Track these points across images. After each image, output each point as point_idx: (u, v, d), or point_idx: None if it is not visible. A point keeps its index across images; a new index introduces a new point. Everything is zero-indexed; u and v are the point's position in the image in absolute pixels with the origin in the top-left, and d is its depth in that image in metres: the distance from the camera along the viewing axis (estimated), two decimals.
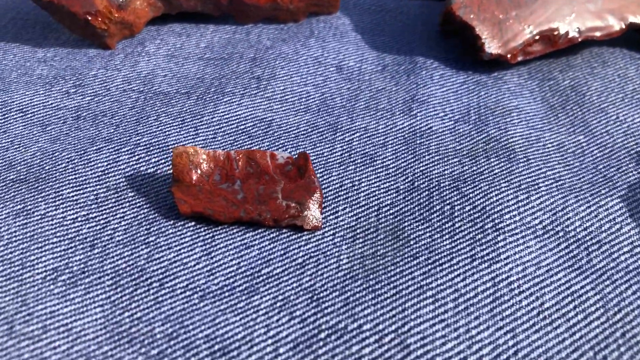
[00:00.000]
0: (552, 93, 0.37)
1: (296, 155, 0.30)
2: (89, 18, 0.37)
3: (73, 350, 0.23)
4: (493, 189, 0.30)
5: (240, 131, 0.33)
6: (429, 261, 0.26)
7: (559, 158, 0.32)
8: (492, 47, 0.37)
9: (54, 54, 0.38)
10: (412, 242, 0.27)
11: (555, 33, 0.38)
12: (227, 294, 0.25)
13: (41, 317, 0.24)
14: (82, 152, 0.31)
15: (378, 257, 0.26)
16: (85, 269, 0.25)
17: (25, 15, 0.42)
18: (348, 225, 0.28)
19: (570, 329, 0.24)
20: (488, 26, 0.38)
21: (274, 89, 0.36)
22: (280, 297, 0.25)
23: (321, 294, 0.25)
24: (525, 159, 0.32)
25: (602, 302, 0.25)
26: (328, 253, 0.26)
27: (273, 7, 0.41)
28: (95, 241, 0.26)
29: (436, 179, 0.30)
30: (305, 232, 0.27)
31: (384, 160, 0.32)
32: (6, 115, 0.33)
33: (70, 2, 0.37)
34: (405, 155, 0.32)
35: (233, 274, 0.25)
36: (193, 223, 0.27)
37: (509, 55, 0.37)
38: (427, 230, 0.28)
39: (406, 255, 0.26)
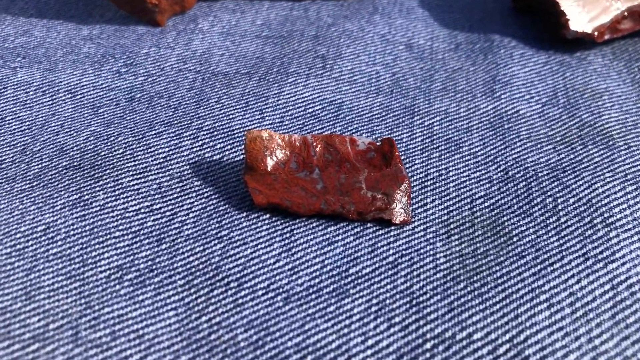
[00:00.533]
0: None
1: (379, 141, 0.27)
2: None
3: (149, 354, 0.20)
4: (597, 179, 0.27)
5: (308, 114, 0.30)
6: (537, 260, 0.23)
7: None
8: (577, 24, 0.34)
9: (100, 31, 0.35)
10: (515, 239, 0.24)
11: None
12: (313, 296, 0.22)
13: (109, 321, 0.21)
14: (140, 136, 0.28)
15: (479, 256, 0.23)
16: (154, 267, 0.23)
17: None
18: (440, 220, 0.25)
19: None
20: (572, 1, 0.34)
21: (341, 69, 0.33)
22: (374, 301, 0.22)
23: (420, 298, 0.22)
24: (626, 147, 0.29)
25: None
26: (422, 251, 0.24)
27: None
28: (162, 235, 0.24)
29: (532, 168, 0.27)
30: (393, 227, 0.24)
31: (471, 146, 0.29)
32: (54, 97, 0.31)
33: None
34: (494, 141, 0.29)
35: (318, 273, 0.23)
36: (268, 215, 0.25)
37: (595, 34, 0.34)
38: (530, 225, 0.25)
39: (511, 254, 0.24)
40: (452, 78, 0.33)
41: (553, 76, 0.33)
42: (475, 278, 0.23)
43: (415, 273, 0.23)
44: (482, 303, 0.22)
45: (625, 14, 0.35)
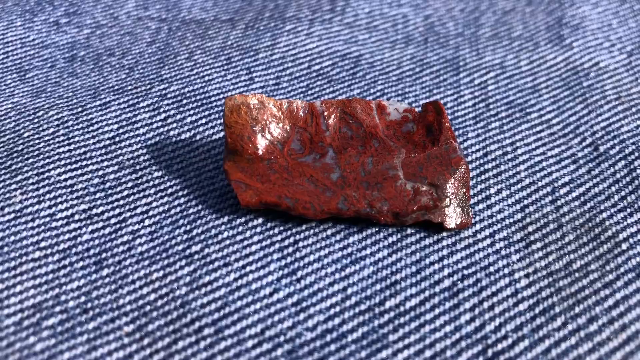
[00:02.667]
0: None
1: (419, 107, 0.19)
2: None
3: None
4: None
5: (314, 73, 0.22)
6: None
7: None
8: None
9: None
10: (623, 246, 0.17)
11: None
12: (332, 347, 0.14)
13: None
14: (80, 109, 0.20)
15: (576, 274, 0.16)
16: (89, 305, 0.15)
17: None
18: (512, 220, 0.17)
19: None
20: None
21: (356, 12, 0.25)
22: (428, 353, 0.14)
23: (498, 346, 0.14)
24: None
25: None
26: (491, 269, 0.16)
27: None
28: (104, 255, 0.16)
29: (630, 141, 0.20)
30: (446, 234, 0.17)
31: (541, 112, 0.21)
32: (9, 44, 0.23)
33: None
34: (572, 104, 0.21)
35: (338, 309, 0.15)
36: (261, 221, 0.17)
37: None
38: (637, 222, 0.17)
39: (622, 269, 0.16)
40: (503, 22, 0.25)
41: (635, 17, 0.25)
42: (576, 310, 0.15)
43: (485, 305, 0.15)
44: (595, 350, 0.14)
45: None
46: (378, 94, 0.21)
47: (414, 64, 0.23)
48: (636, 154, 0.19)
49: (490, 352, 0.14)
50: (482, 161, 0.19)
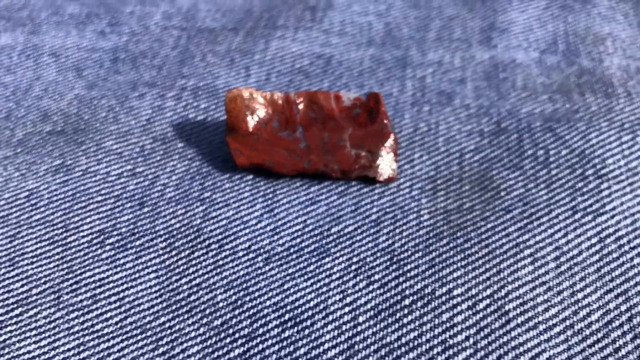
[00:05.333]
0: None
1: (365, 96, 0.26)
2: None
3: (127, 322, 0.20)
4: (592, 129, 0.26)
5: (296, 70, 0.29)
6: (524, 215, 0.23)
7: None
8: None
9: None
10: (502, 193, 0.24)
11: None
12: (294, 256, 0.22)
13: (90, 285, 0.21)
14: (123, 98, 0.28)
15: (464, 212, 0.23)
16: (135, 231, 0.23)
17: None
18: (427, 176, 0.24)
19: None
20: None
21: (331, 20, 0.32)
22: (355, 259, 0.22)
23: (402, 255, 0.22)
24: (626, 94, 0.28)
25: None
26: (406, 208, 0.23)
27: None
28: (145, 199, 0.24)
29: (525, 120, 0.27)
30: (378, 185, 0.24)
31: (464, 98, 0.28)
32: (38, 60, 0.30)
33: None
34: (488, 92, 0.28)
35: (300, 233, 0.23)
36: (251, 176, 0.24)
37: None
38: (520, 178, 0.24)
39: (497, 209, 0.23)
40: (447, 26, 0.32)
41: (554, 21, 0.32)
42: (458, 234, 0.22)
43: (397, 231, 0.22)
44: (464, 259, 0.21)
45: None
46: (342, 86, 0.28)
47: (372, 62, 0.30)
48: (526, 129, 0.26)
49: (395, 260, 0.22)
50: (412, 135, 0.26)
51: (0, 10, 0.33)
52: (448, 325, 0.20)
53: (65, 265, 0.22)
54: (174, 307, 0.21)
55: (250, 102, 0.25)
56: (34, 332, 0.20)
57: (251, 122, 0.25)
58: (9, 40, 0.31)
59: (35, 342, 0.20)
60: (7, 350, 0.19)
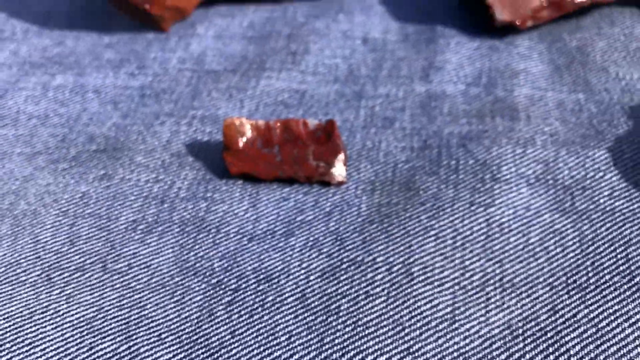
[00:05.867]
0: (559, 54, 0.41)
1: (325, 122, 0.35)
2: (147, 6, 0.43)
3: (152, 281, 0.29)
4: (494, 144, 0.35)
5: (278, 102, 0.38)
6: (434, 207, 0.31)
7: (557, 115, 0.37)
8: (502, 14, 0.41)
9: (117, 39, 0.44)
10: (420, 192, 0.32)
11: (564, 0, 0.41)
12: (269, 236, 0.31)
13: (127, 257, 0.30)
14: (149, 125, 0.37)
15: (392, 205, 0.32)
16: (158, 220, 0.32)
17: (94, 4, 0.48)
18: (368, 180, 0.33)
19: (549, 259, 0.29)
20: None
21: (307, 63, 0.41)
22: (311, 239, 0.30)
23: (344, 236, 0.30)
24: (526, 117, 0.36)
25: (578, 238, 0.30)
26: (350, 203, 0.32)
27: None
28: (165, 198, 0.33)
29: (446, 138, 0.35)
30: (332, 187, 0.33)
31: (402, 122, 0.37)
32: (84, 96, 0.40)
33: None
34: (421, 117, 0.37)
35: (274, 221, 0.32)
36: (241, 181, 0.33)
37: (518, 22, 0.41)
38: (435, 181, 0.33)
39: (415, 203, 0.32)
40: (397, 66, 0.41)
41: (481, 60, 0.41)
42: (385, 221, 0.31)
43: (342, 219, 0.31)
44: (387, 237, 0.30)
45: (545, 4, 0.41)
46: (312, 114, 0.37)
47: (336, 95, 0.39)
48: (445, 145, 0.35)
49: (338, 238, 0.30)
50: (360, 150, 0.35)
51: (54, 57, 0.43)
52: (370, 281, 0.28)
53: (109, 244, 0.31)
54: (184, 271, 0.30)
55: (240, 128, 0.34)
56: (88, 288, 0.29)
57: (241, 142, 0.34)
58: (61, 80, 0.41)
59: (90, 294, 0.29)
60: (71, 299, 0.29)
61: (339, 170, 0.33)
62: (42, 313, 0.28)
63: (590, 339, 0.26)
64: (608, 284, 0.28)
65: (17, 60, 0.43)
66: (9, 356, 0.27)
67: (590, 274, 0.29)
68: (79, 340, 0.27)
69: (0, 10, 0.48)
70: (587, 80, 0.39)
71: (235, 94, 0.39)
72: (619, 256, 0.29)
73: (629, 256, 0.29)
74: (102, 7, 0.48)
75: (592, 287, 0.28)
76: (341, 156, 0.33)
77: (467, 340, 0.27)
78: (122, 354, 0.27)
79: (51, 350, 0.27)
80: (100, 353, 0.27)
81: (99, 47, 0.44)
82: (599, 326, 0.27)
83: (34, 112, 0.39)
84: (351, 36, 0.43)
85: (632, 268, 0.29)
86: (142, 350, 0.27)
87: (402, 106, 0.38)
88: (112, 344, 0.27)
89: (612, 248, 0.30)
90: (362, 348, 0.26)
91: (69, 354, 0.27)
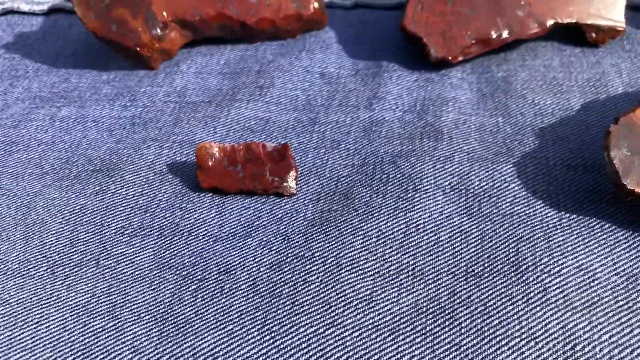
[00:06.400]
0: (487, 84, 0.48)
1: (280, 145, 0.43)
2: (138, 49, 0.50)
3: (135, 274, 0.36)
4: (419, 161, 0.42)
5: (245, 128, 0.46)
6: (365, 212, 0.38)
7: (476, 136, 0.44)
8: (436, 52, 0.48)
9: (114, 76, 0.52)
10: (356, 200, 0.39)
11: (490, 37, 0.49)
12: (231, 238, 0.38)
13: (116, 255, 0.38)
14: (137, 149, 0.45)
15: (331, 211, 0.39)
16: (141, 226, 0.39)
17: (94, 46, 0.56)
18: (315, 191, 0.40)
19: (454, 253, 0.36)
20: (433, 36, 0.49)
21: (272, 95, 0.48)
22: (264, 239, 0.38)
23: (291, 236, 0.37)
24: (449, 138, 0.43)
25: (480, 236, 0.37)
26: (299, 210, 0.39)
27: (274, 29, 0.53)
28: (147, 208, 0.40)
29: (381, 156, 0.42)
30: (285, 197, 0.40)
31: (347, 144, 0.44)
32: (85, 125, 0.47)
33: (123, 38, 0.50)
34: (362, 140, 0.44)
35: (235, 225, 0.39)
36: (210, 194, 0.41)
37: (450, 57, 0.48)
38: (368, 192, 0.40)
39: (350, 209, 0.39)
40: (347, 96, 0.48)
41: (418, 90, 0.48)
42: (325, 223, 0.38)
43: (291, 223, 0.38)
44: (325, 236, 0.37)
45: (473, 41, 0.49)
46: (273, 138, 0.45)
47: (294, 122, 0.46)
48: (380, 163, 0.42)
49: (287, 238, 0.37)
50: (310, 167, 0.42)
51: (60, 92, 0.51)
52: (308, 272, 0.35)
53: (101, 245, 0.38)
54: (161, 266, 0.37)
55: (210, 150, 0.41)
56: (84, 280, 0.36)
57: (210, 162, 0.41)
58: (66, 112, 0.49)
59: (85, 284, 0.36)
60: (70, 288, 0.36)
61: (290, 184, 0.40)
62: (47, 299, 0.36)
63: (479, 315, 0.33)
64: (499, 272, 0.35)
65: (29, 95, 0.51)
66: (21, 332, 0.34)
67: (485, 265, 0.35)
68: (75, 320, 0.34)
69: (15, 52, 0.56)
70: (507, 105, 0.46)
71: (210, 122, 0.46)
72: (510, 250, 0.36)
73: (519, 250, 0.36)
74: (101, 49, 0.56)
75: (486, 274, 0.35)
76: (292, 173, 0.40)
77: (381, 316, 0.33)
78: (109, 329, 0.34)
79: (54, 327, 0.34)
80: (92, 329, 0.34)
81: (98, 83, 0.52)
82: (487, 305, 0.34)
83: (42, 139, 0.47)
84: (311, 71, 0.50)
85: (520, 259, 0.36)
86: (125, 326, 0.34)
87: (348, 130, 0.45)
88: (101, 322, 0.34)
89: (506, 244, 0.36)
90: (296, 322, 0.33)
91: (68, 330, 0.34)
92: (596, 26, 0.50)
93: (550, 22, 0.49)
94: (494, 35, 0.49)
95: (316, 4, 0.53)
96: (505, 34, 0.49)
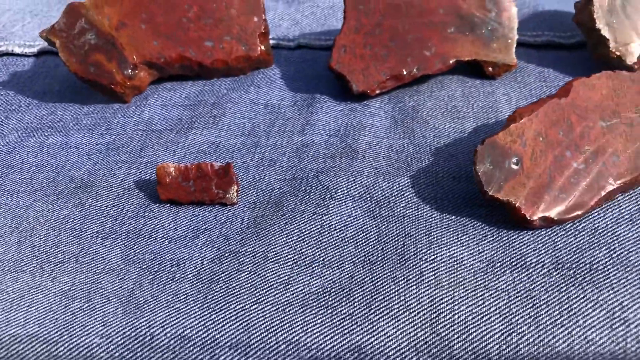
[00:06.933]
0: (399, 112, 0.59)
1: (225, 164, 0.53)
2: (113, 87, 0.60)
3: (107, 268, 0.46)
4: (337, 176, 0.52)
5: (200, 151, 0.56)
6: (290, 217, 0.48)
7: (384, 155, 0.54)
8: (358, 86, 0.59)
9: (93, 109, 0.62)
10: (284, 208, 0.49)
11: (401, 73, 0.59)
12: (183, 240, 0.48)
13: (91, 254, 0.47)
14: (110, 169, 0.54)
15: (264, 217, 0.49)
16: (112, 231, 0.49)
17: (76, 84, 0.66)
18: (253, 201, 0.50)
19: (357, 247, 0.46)
20: (356, 74, 0.59)
21: (223, 123, 0.59)
22: (209, 239, 0.47)
23: (230, 237, 0.47)
24: (362, 157, 0.53)
25: (377, 233, 0.47)
26: (238, 216, 0.49)
27: (227, 68, 0.63)
28: (117, 217, 0.50)
29: (307, 172, 0.52)
30: (228, 206, 0.50)
31: (281, 163, 0.54)
32: (68, 151, 0.57)
33: (100, 78, 0.60)
34: (294, 159, 0.54)
35: (187, 229, 0.48)
36: (167, 205, 0.51)
37: (369, 91, 0.59)
38: (295, 201, 0.50)
39: (278, 214, 0.49)
40: (285, 123, 0.58)
41: (343, 118, 0.58)
42: (257, 226, 0.48)
43: (231, 226, 0.48)
44: (256, 236, 0.47)
45: (388, 77, 0.59)
46: (222, 158, 0.55)
47: (240, 145, 0.56)
48: (306, 177, 0.52)
49: (226, 238, 0.47)
50: (250, 182, 0.52)
51: (48, 123, 0.61)
52: (241, 263, 0.45)
53: (80, 247, 0.48)
54: (127, 262, 0.46)
55: (167, 169, 0.51)
56: (66, 274, 0.46)
57: (168, 179, 0.51)
58: (53, 140, 0.58)
59: (67, 277, 0.45)
60: (55, 280, 0.45)
61: (232, 196, 0.50)
62: (36, 288, 0.45)
63: (369, 293, 0.43)
64: (388, 260, 0.45)
65: (22, 125, 0.61)
66: (16, 313, 0.43)
67: (379, 255, 0.45)
68: (58, 303, 0.44)
69: (10, 89, 0.66)
70: (413, 130, 0.56)
71: (170, 146, 0.56)
72: (398, 244, 0.46)
73: (405, 244, 0.46)
74: (82, 86, 0.66)
75: (378, 262, 0.45)
76: (234, 187, 0.50)
77: (294, 296, 0.43)
78: (85, 309, 0.43)
79: (42, 309, 0.44)
80: (71, 310, 0.43)
81: (79, 115, 0.62)
82: (376, 285, 0.43)
83: (33, 162, 0.56)
84: (256, 102, 0.61)
85: (405, 251, 0.45)
86: (97, 307, 0.44)
87: (283, 152, 0.55)
88: (79, 304, 0.44)
89: (396, 239, 0.46)
90: (229, 301, 0.43)
91: (52, 311, 0.44)
92: (492, 62, 0.61)
93: (452, 60, 0.60)
94: (405, 72, 0.59)
95: (262, 47, 0.64)
96: (414, 71, 0.59)
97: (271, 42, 0.69)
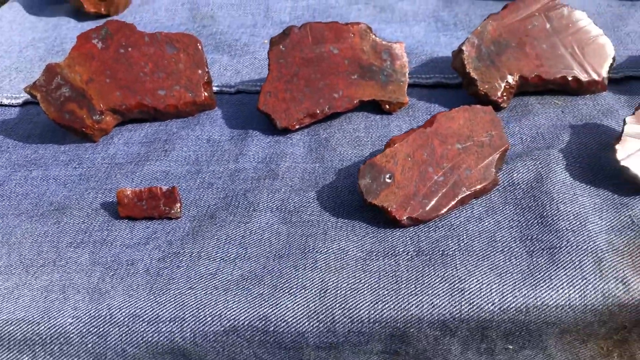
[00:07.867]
0: (314, 142, 0.73)
1: (171, 188, 0.67)
2: (84, 129, 0.75)
3: (78, 268, 0.59)
4: (260, 193, 0.66)
5: (154, 179, 0.70)
6: (220, 226, 0.62)
7: (299, 176, 0.68)
8: (281, 123, 0.73)
9: (69, 147, 0.76)
10: (217, 219, 0.63)
11: (316, 112, 0.74)
12: (137, 245, 0.61)
13: (66, 259, 0.61)
14: (82, 195, 0.68)
15: (202, 226, 0.63)
16: (82, 241, 0.62)
17: (54, 128, 0.80)
18: (193, 215, 0.64)
19: (271, 244, 0.60)
20: (279, 114, 0.74)
21: (173, 156, 0.73)
22: (157, 244, 0.61)
23: (173, 242, 0.61)
24: (282, 178, 0.68)
25: (287, 235, 0.61)
26: (181, 227, 0.63)
27: (178, 111, 0.78)
28: (86, 230, 0.64)
29: (237, 191, 0.67)
30: (173, 220, 0.64)
31: (217, 185, 0.68)
32: (49, 182, 0.71)
33: (74, 123, 0.75)
34: (228, 182, 0.68)
35: (140, 237, 0.62)
36: (126, 220, 0.64)
37: (290, 126, 0.74)
38: (225, 213, 0.64)
39: (212, 224, 0.63)
40: (223, 154, 0.72)
41: (269, 148, 0.73)
42: (196, 234, 0.62)
43: (175, 234, 0.62)
44: (193, 240, 0.61)
45: (305, 115, 0.74)
46: (171, 183, 0.69)
47: (186, 173, 0.70)
48: (235, 196, 0.66)
49: (172, 242, 0.61)
50: (192, 200, 0.66)
51: (31, 160, 0.75)
52: (180, 260, 0.59)
53: (57, 253, 0.61)
54: (94, 263, 0.60)
55: (125, 193, 0.65)
56: (46, 273, 0.59)
57: (126, 200, 0.65)
58: (36, 174, 0.72)
59: (47, 275, 0.59)
60: (37, 278, 0.59)
61: (176, 211, 0.64)
62: (23, 285, 0.59)
63: (276, 278, 0.57)
64: (293, 254, 0.59)
65: (9, 163, 0.75)
66: (7, 304, 0.57)
67: (286, 251, 0.59)
68: (40, 295, 0.57)
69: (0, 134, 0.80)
70: (323, 156, 0.71)
71: (130, 175, 0.70)
72: (301, 242, 0.60)
73: (307, 242, 0.60)
74: (60, 130, 0.80)
75: (285, 256, 0.59)
76: (178, 204, 0.64)
77: (219, 282, 0.57)
78: (60, 299, 0.57)
79: (27, 300, 0.57)
80: (50, 299, 0.57)
81: (57, 152, 0.76)
82: (282, 272, 0.57)
83: (20, 192, 0.70)
84: (201, 138, 0.75)
85: (306, 247, 0.60)
86: (69, 296, 0.57)
87: (220, 176, 0.69)
88: (56, 295, 0.57)
89: (301, 239, 0.60)
90: (170, 288, 0.57)
91: (35, 300, 0.57)
92: (388, 101, 0.76)
93: (356, 100, 0.75)
94: (318, 111, 0.74)
95: (206, 93, 0.78)
96: (326, 110, 0.74)
97: (215, 88, 0.84)
